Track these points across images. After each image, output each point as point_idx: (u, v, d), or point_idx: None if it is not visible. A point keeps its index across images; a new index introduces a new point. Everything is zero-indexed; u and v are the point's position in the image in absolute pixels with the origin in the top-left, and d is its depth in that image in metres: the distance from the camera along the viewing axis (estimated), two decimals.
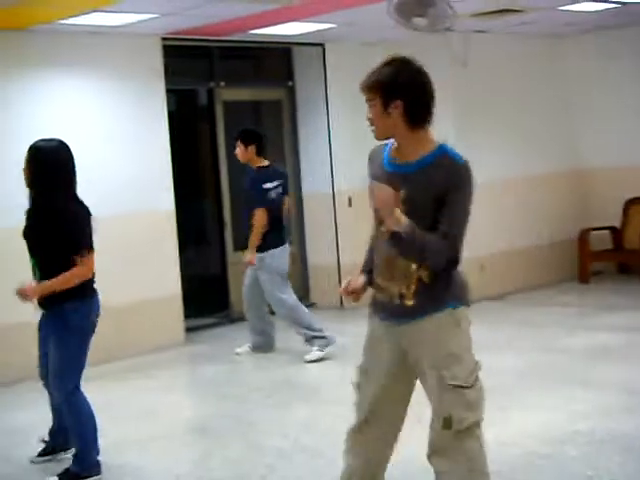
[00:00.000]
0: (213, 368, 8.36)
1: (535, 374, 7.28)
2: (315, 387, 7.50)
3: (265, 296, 8.32)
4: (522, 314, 9.93)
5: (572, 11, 9.82)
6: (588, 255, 11.56)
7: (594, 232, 11.59)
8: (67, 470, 5.28)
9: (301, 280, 10.99)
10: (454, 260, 3.65)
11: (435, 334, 3.64)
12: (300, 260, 11.05)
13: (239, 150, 8.40)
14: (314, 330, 8.15)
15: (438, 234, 3.51)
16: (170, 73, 9.47)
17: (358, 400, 3.88)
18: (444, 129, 10.62)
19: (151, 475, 5.51)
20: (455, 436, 3.61)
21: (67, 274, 5.05)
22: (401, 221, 3.38)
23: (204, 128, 10.67)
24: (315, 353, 8.09)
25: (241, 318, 8.98)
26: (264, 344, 8.55)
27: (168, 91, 9.53)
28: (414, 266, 3.58)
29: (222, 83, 10.41)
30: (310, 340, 8.16)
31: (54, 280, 5.05)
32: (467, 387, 3.63)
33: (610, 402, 6.25)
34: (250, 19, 8.69)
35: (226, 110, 10.52)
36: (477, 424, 3.70)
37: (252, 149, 8.34)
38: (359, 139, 10.96)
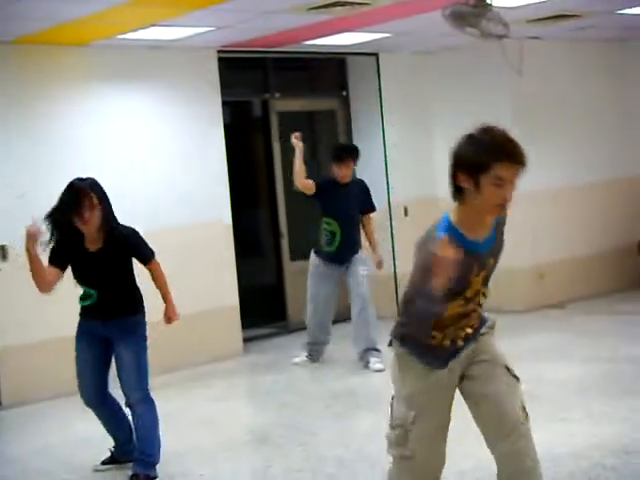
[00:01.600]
0: (271, 378, 8.38)
1: (598, 384, 7.18)
2: (376, 397, 7.45)
3: (364, 293, 8.29)
4: (582, 322, 9.79)
5: (631, 14, 9.70)
6: None
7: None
8: (138, 474, 5.42)
9: None
10: None
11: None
12: None
13: (348, 169, 8.38)
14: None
15: None
16: (226, 85, 9.53)
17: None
18: None
19: None
20: None
21: (164, 278, 5.63)
22: None
23: (259, 139, 10.71)
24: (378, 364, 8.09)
25: (298, 328, 8.99)
26: (317, 354, 8.59)
27: (224, 103, 9.58)
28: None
29: (277, 94, 10.48)
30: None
31: (167, 289, 5.65)
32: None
33: None
34: (303, 30, 8.72)
35: (281, 121, 10.55)
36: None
37: None
38: (414, 149, 11.09)
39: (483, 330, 3.79)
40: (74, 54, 8.36)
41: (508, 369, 3.72)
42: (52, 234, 5.35)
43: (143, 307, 5.60)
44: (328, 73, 11.11)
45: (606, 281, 11.31)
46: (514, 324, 9.66)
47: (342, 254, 8.27)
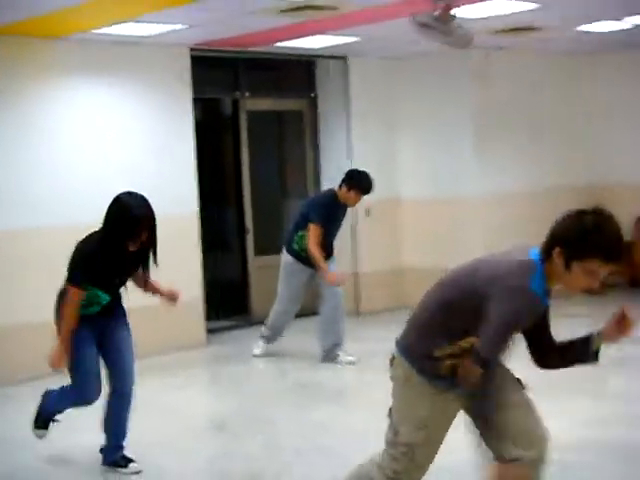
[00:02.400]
0: (233, 368, 8.46)
1: (547, 384, 7.33)
2: (336, 389, 7.58)
3: (339, 292, 8.37)
4: None
5: (590, 31, 9.89)
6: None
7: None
8: (123, 456, 5.45)
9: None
10: None
11: None
12: None
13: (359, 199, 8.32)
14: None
15: None
16: (197, 82, 9.57)
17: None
18: (464, 142, 10.89)
19: (171, 469, 5.56)
20: None
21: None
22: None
23: (228, 136, 10.77)
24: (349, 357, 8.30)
25: (261, 321, 9.07)
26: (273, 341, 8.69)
27: (195, 100, 9.63)
28: None
29: (247, 93, 10.53)
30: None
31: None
32: None
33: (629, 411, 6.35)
34: (275, 32, 8.79)
35: (250, 119, 10.62)
36: None
37: None
38: (379, 151, 11.17)
39: None
40: (49, 47, 8.35)
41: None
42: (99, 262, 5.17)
43: None
44: (297, 74, 11.17)
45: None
46: None
47: None
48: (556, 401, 6.61)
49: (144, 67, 9.11)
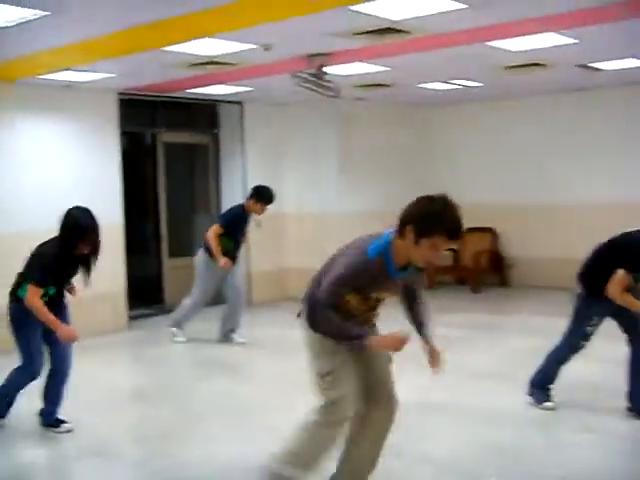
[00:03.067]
0: (150, 349, 8.25)
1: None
2: (232, 364, 7.44)
3: (242, 288, 8.24)
4: (384, 313, 9.99)
5: (427, 88, 10.05)
6: (435, 269, 11.71)
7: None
8: (57, 419, 5.27)
9: None
10: None
11: None
12: None
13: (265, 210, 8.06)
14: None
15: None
16: (125, 119, 9.39)
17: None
18: (332, 171, 10.93)
19: (98, 428, 5.37)
20: None
21: None
22: None
23: (149, 163, 10.51)
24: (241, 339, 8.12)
25: (173, 309, 8.85)
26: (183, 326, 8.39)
27: (124, 133, 9.49)
28: None
29: (163, 128, 10.36)
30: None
31: None
32: None
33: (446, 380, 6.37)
34: (186, 81, 8.65)
35: (166, 150, 10.43)
36: None
37: None
38: (268, 176, 11.13)
39: None
40: (5, 88, 8.05)
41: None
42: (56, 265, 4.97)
43: None
44: (204, 114, 11.00)
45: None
46: None
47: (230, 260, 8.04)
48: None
49: (80, 107, 8.83)
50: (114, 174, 9.20)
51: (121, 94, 9.21)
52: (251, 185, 10.10)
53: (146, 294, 10.31)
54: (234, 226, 8.01)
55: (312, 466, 3.72)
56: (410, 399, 5.71)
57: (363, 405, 3.75)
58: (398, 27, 6.23)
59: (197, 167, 11.34)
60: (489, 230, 11.69)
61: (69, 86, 8.52)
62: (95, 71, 7.85)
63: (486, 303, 10.45)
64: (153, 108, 10.23)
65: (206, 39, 6.50)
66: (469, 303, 10.45)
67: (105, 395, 6.31)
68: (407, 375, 6.50)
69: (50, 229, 5.11)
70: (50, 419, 5.28)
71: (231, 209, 8.32)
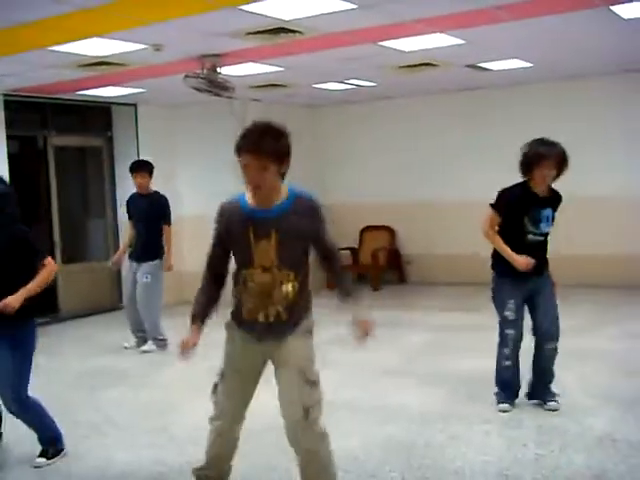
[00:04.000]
0: (43, 358, 7.90)
1: None
2: (124, 374, 7.23)
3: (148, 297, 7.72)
4: None
5: (323, 88, 10.09)
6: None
7: (340, 251, 11.88)
8: None
9: (117, 287, 10.73)
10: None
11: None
12: (116, 271, 10.74)
13: (145, 181, 7.86)
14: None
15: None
16: (13, 122, 9.03)
17: (226, 389, 3.57)
18: (226, 170, 10.80)
19: None
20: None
21: None
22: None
23: (41, 167, 10.11)
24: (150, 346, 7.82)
25: (68, 317, 8.56)
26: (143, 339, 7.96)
27: (13, 137, 9.14)
28: (290, 289, 3.40)
29: (53, 132, 10.01)
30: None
31: None
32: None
33: (350, 377, 6.41)
34: (75, 82, 8.38)
35: (57, 153, 10.09)
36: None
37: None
38: (163, 179, 10.87)
39: (295, 331, 3.45)
40: None
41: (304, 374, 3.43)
42: None
43: None
44: (96, 117, 10.69)
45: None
46: None
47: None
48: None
49: None
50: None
51: (6, 95, 8.84)
52: None
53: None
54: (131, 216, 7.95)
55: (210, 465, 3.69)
56: None
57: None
58: (290, 27, 6.22)
59: (91, 171, 11.03)
60: (387, 228, 11.83)
61: None
62: None
63: (385, 300, 10.56)
64: (43, 111, 9.88)
65: (94, 39, 6.30)
66: (369, 300, 10.50)
67: None
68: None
69: None
70: None
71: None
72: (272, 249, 3.33)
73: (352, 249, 11.85)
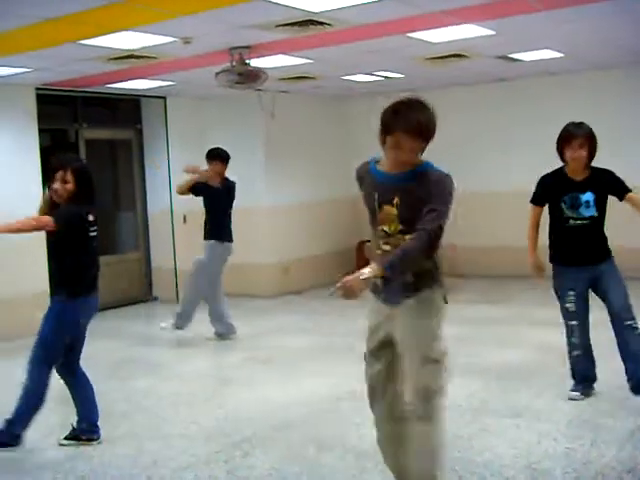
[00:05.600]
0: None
1: (322, 350, 7.38)
2: (154, 364, 7.30)
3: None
4: (315, 305, 10.04)
5: (351, 80, 10.06)
6: (363, 260, 11.82)
7: (368, 243, 11.87)
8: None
9: (147, 278, 10.83)
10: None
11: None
12: (146, 263, 10.86)
13: (222, 167, 7.81)
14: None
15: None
16: (45, 115, 9.10)
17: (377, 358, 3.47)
18: (257, 164, 10.87)
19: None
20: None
21: None
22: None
23: None
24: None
25: (103, 308, 8.58)
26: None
27: (44, 130, 9.19)
28: None
29: (84, 124, 10.10)
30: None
31: None
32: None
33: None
34: (105, 75, 8.42)
35: (88, 146, 10.16)
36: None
37: None
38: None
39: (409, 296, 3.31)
40: None
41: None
42: None
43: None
44: (126, 109, 10.76)
45: (333, 274, 11.65)
46: (265, 307, 9.79)
47: None
48: (329, 362, 6.68)
49: None
50: (34, 173, 8.90)
51: (39, 89, 8.93)
52: (175, 180, 10.03)
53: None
54: (209, 205, 7.77)
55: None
56: (325, 393, 5.74)
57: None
58: (319, 19, 6.19)
59: (120, 163, 11.12)
60: None
61: None
62: (10, 65, 7.57)
63: None
64: (74, 104, 9.97)
65: (124, 32, 6.33)
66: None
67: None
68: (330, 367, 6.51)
69: None
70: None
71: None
72: (394, 214, 3.30)
73: None
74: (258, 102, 10.41)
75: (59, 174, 4.64)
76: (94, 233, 4.77)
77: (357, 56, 8.17)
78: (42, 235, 7.86)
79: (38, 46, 6.68)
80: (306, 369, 6.56)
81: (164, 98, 10.52)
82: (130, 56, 7.33)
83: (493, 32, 7.13)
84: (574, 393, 5.23)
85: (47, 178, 8.66)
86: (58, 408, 5.55)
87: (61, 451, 4.83)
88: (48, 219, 4.61)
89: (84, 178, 4.70)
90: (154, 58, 7.49)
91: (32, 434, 4.87)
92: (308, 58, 8.08)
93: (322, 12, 5.98)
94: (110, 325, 8.94)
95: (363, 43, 7.33)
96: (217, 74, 7.39)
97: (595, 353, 5.28)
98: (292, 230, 10.87)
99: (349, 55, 8.06)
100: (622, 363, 5.14)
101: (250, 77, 7.44)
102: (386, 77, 9.90)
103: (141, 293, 10.70)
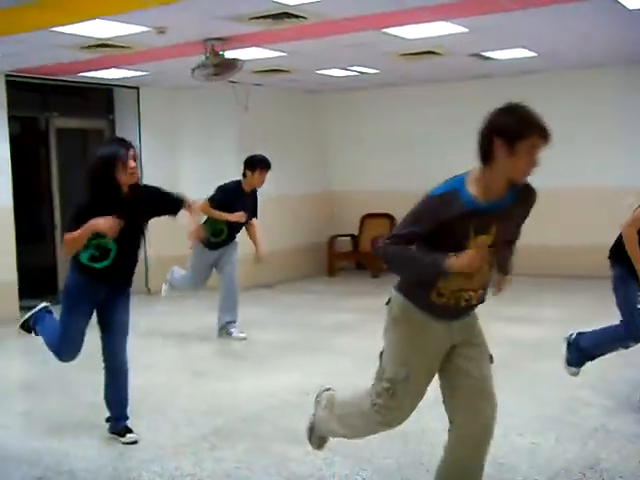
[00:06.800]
0: (41, 340, 7.92)
1: (292, 344, 7.36)
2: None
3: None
4: (286, 299, 10.04)
5: (325, 75, 10.05)
6: (334, 255, 11.87)
7: (339, 238, 11.91)
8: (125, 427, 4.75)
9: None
10: None
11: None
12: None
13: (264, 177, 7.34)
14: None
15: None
16: (15, 103, 8.98)
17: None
18: (230, 156, 10.83)
19: None
20: None
21: None
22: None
23: (42, 149, 10.09)
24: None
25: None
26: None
27: (14, 118, 9.08)
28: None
29: (55, 113, 9.96)
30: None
31: None
32: None
33: (345, 364, 6.38)
34: (77, 64, 8.34)
35: (59, 135, 10.04)
36: None
37: None
38: (165, 163, 10.93)
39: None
40: None
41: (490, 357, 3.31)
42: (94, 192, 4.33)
43: None
44: (99, 99, 10.64)
45: (303, 267, 11.66)
46: None
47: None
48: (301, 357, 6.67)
49: None
50: (2, 159, 8.80)
51: (8, 75, 8.80)
52: (147, 171, 9.96)
53: (39, 284, 9.94)
54: (225, 203, 7.28)
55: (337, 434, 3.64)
56: (296, 386, 5.74)
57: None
58: (294, 12, 6.18)
59: (92, 153, 10.96)
60: (387, 216, 11.80)
61: None
62: None
63: (385, 286, 10.53)
64: (45, 92, 9.84)
65: (97, 20, 6.26)
66: (369, 287, 10.54)
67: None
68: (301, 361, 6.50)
69: None
70: (116, 426, 4.75)
71: (224, 184, 7.53)
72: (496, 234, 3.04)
73: (352, 236, 11.88)
74: (232, 95, 10.37)
75: (131, 153, 4.42)
76: None
77: (332, 50, 8.16)
78: (8, 231, 7.71)
79: (8, 31, 6.57)
80: (276, 362, 6.54)
81: (137, 88, 10.43)
82: (103, 45, 7.26)
83: (466, 30, 7.15)
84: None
85: (16, 168, 8.66)
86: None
87: (27, 443, 4.78)
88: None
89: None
90: (128, 48, 7.42)
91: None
92: (282, 51, 8.05)
93: (297, 5, 5.97)
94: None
95: (338, 37, 7.32)
96: (193, 70, 7.34)
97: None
98: (264, 223, 10.78)
99: (324, 49, 8.05)
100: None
101: (226, 67, 7.40)
102: (361, 72, 9.90)
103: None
